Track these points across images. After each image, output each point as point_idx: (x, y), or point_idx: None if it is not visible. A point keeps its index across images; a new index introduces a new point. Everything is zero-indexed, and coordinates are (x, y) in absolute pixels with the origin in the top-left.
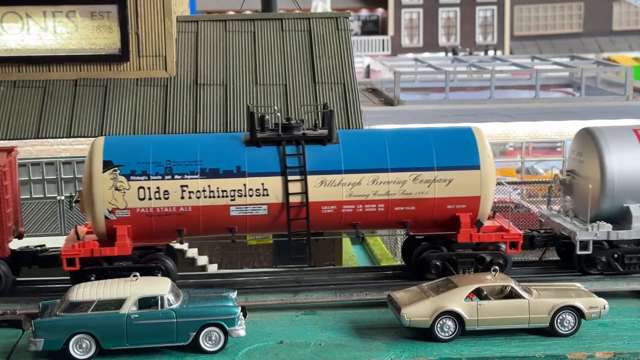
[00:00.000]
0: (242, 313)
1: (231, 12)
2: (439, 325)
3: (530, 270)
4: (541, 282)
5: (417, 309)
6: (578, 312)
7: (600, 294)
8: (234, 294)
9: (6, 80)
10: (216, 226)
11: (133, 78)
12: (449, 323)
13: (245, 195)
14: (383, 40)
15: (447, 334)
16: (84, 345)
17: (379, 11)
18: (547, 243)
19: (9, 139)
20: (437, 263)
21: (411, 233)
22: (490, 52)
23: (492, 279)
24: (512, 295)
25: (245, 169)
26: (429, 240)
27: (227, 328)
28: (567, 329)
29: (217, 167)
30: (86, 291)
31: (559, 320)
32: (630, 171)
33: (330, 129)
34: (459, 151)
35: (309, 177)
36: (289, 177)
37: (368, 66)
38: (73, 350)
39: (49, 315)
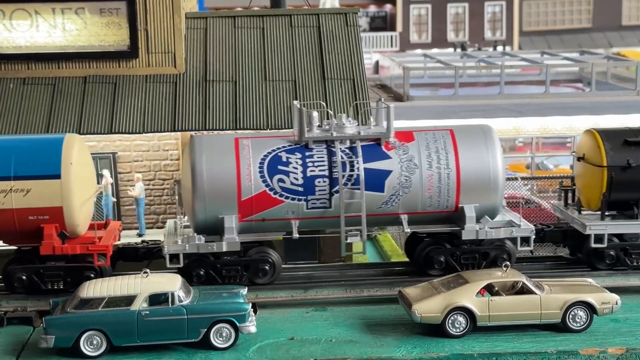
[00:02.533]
0: (252, 309)
1: (239, 9)
2: (450, 321)
3: None
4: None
5: (428, 305)
6: (590, 308)
7: (612, 290)
8: (244, 291)
9: (15, 77)
10: None
11: (142, 75)
12: (460, 319)
13: None
14: (391, 37)
15: (458, 330)
16: (94, 342)
17: (388, 7)
18: (152, 255)
19: None
20: (23, 277)
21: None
22: (499, 48)
23: (503, 275)
24: (524, 291)
25: None
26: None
27: (237, 324)
28: (579, 325)
29: None
30: (97, 288)
31: (570, 316)
32: (223, 181)
33: None
34: (40, 160)
35: None
36: None
37: (377, 62)
38: (84, 347)
39: (59, 312)
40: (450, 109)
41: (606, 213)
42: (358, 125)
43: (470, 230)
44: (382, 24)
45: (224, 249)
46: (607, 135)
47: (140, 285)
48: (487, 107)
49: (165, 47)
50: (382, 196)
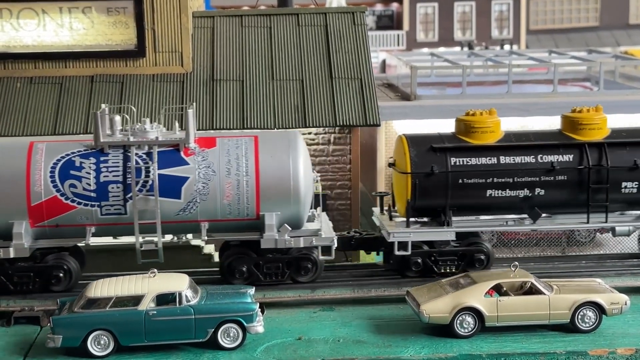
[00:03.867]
0: (260, 309)
1: (246, 8)
2: (458, 321)
3: None
4: None
5: (437, 305)
6: (599, 308)
7: (621, 290)
8: (251, 290)
9: (23, 76)
10: None
11: (149, 74)
12: (469, 319)
13: None
14: (398, 35)
15: (466, 331)
16: (102, 342)
17: (394, 6)
18: None
19: (26, 135)
20: None
21: None
22: (506, 47)
23: (512, 275)
24: (532, 291)
25: None
26: None
27: (245, 324)
28: (588, 325)
29: None
30: (104, 288)
31: (579, 316)
32: (11, 185)
33: None
34: None
35: None
36: None
37: (383, 61)
38: (91, 347)
39: (67, 311)
40: (458, 108)
41: (420, 220)
42: (167, 131)
43: (269, 239)
44: (389, 22)
45: (12, 255)
46: (414, 141)
47: (147, 285)
48: (495, 106)
49: (172, 47)
50: (179, 203)
